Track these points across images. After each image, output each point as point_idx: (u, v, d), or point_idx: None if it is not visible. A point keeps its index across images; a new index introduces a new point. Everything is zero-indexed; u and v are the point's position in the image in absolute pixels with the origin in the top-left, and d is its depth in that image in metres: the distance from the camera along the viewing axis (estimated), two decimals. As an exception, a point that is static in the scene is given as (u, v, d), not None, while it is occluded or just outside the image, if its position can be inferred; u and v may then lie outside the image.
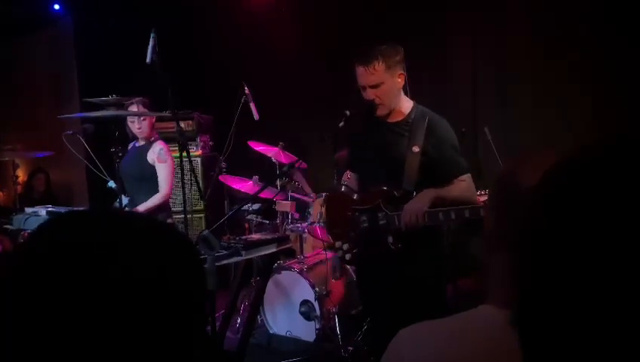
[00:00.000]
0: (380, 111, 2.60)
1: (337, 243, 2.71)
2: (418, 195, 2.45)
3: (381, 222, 2.53)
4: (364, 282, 2.95)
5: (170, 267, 0.65)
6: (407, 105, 2.65)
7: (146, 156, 3.84)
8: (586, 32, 4.13)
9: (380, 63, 2.50)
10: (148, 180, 3.82)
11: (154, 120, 3.87)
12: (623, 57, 3.97)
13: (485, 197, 2.86)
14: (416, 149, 2.52)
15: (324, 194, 3.84)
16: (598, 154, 0.52)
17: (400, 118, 2.63)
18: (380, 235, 2.52)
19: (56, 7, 5.88)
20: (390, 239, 2.50)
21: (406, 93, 2.68)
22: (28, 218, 3.38)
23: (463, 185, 2.53)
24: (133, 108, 3.78)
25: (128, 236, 0.65)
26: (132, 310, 0.60)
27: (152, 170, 3.84)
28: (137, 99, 3.79)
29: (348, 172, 4.61)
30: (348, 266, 4.07)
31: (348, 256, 2.68)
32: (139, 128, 3.84)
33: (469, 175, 2.56)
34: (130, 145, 4.01)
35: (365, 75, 2.53)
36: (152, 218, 0.76)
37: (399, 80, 2.58)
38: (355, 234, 2.64)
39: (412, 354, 0.90)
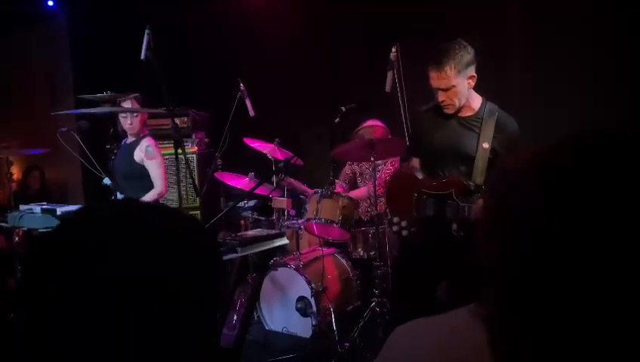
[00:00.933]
0: (448, 111, 2.67)
1: (395, 219, 2.75)
2: None
3: (449, 210, 2.58)
4: (415, 262, 2.94)
5: (176, 265, 0.65)
6: (477, 100, 2.72)
7: (133, 154, 3.81)
8: (584, 28, 4.13)
9: (452, 68, 2.55)
10: (137, 178, 3.80)
11: (146, 116, 3.85)
12: (622, 54, 3.98)
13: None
14: (486, 145, 2.60)
15: (320, 191, 3.83)
16: (585, 144, 0.51)
17: (470, 113, 2.70)
18: (445, 222, 2.57)
19: (50, 3, 5.85)
20: (455, 226, 2.55)
21: (476, 90, 2.73)
22: (23, 215, 3.37)
23: None
24: (127, 104, 3.76)
25: (136, 236, 0.66)
26: (137, 304, 0.60)
27: (139, 167, 3.81)
28: (131, 95, 3.77)
29: (346, 168, 4.63)
30: (345, 263, 4.07)
31: (405, 233, 2.71)
32: (130, 124, 3.82)
33: None
34: (122, 142, 3.99)
35: (437, 79, 2.59)
36: (169, 215, 0.74)
37: (470, 81, 2.64)
38: (418, 215, 2.68)
39: (409, 350, 0.90)
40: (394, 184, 2.92)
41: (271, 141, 4.32)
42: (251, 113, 4.13)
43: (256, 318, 3.94)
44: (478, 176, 2.59)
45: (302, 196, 4.37)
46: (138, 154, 3.81)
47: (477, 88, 2.72)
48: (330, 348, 3.53)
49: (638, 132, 0.51)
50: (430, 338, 0.90)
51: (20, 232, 3.29)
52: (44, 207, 3.41)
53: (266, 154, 4.33)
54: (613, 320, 0.44)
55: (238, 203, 3.87)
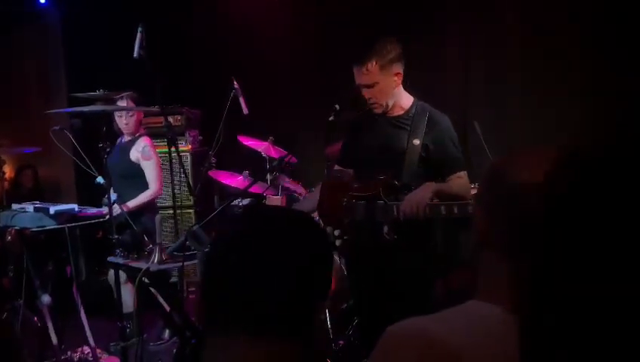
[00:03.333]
0: (376, 110, 2.58)
1: (328, 229, 2.68)
2: (420, 187, 2.43)
3: (378, 212, 2.51)
4: (354, 271, 2.94)
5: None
6: (407, 100, 2.63)
7: (129, 154, 3.80)
8: (579, 27, 4.15)
9: (374, 64, 2.45)
10: (132, 177, 3.79)
11: (142, 115, 3.84)
12: (616, 54, 3.99)
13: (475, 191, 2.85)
14: (416, 142, 2.51)
15: (315, 189, 3.83)
16: (604, 154, 0.51)
17: (401, 112, 2.61)
18: (376, 225, 2.50)
19: (43, 1, 5.81)
20: (385, 229, 2.48)
21: (405, 88, 2.66)
22: (15, 214, 3.35)
23: (461, 182, 2.53)
24: (122, 103, 3.74)
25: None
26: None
27: (135, 167, 3.80)
28: (126, 93, 3.76)
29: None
30: (339, 261, 4.06)
31: (339, 242, 2.64)
32: (126, 123, 3.81)
33: (465, 172, 2.55)
34: (118, 141, 3.97)
35: (359, 75, 2.50)
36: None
37: (395, 79, 2.53)
38: (349, 222, 2.61)
39: (401, 350, 0.90)
40: (324, 194, 2.84)
41: (265, 139, 4.31)
42: (245, 111, 4.11)
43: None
44: (407, 174, 2.51)
45: (296, 194, 4.36)
46: (134, 154, 3.80)
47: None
48: (324, 345, 3.53)
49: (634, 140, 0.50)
50: (424, 337, 0.90)
51: (13, 231, 3.26)
52: (36, 205, 3.40)
53: (260, 153, 4.32)
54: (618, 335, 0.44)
55: (232, 201, 3.85)
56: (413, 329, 0.91)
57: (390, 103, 2.58)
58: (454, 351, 0.85)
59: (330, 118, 2.57)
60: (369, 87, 2.50)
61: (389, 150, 2.59)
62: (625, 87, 3.93)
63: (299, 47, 5.41)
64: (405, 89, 2.68)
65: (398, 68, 2.53)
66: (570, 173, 0.52)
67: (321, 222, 2.78)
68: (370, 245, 2.59)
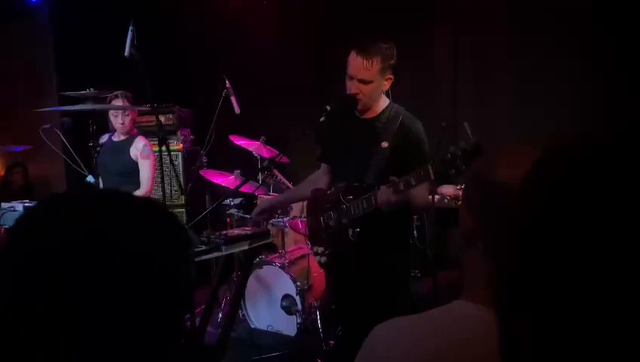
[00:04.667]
0: (359, 106, 2.57)
1: (315, 249, 2.74)
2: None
3: (342, 216, 2.54)
4: (333, 283, 2.97)
5: (155, 242, 0.69)
6: (383, 103, 2.63)
7: (129, 151, 3.80)
8: (567, 26, 4.18)
9: (378, 62, 2.45)
10: (129, 175, 3.79)
11: (136, 115, 3.83)
12: (605, 53, 4.02)
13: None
14: (384, 145, 2.51)
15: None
16: (585, 153, 0.51)
17: (373, 115, 2.61)
18: (345, 230, 2.53)
19: (33, -1, 5.78)
20: (350, 232, 2.51)
21: (387, 95, 2.67)
22: (4, 213, 3.32)
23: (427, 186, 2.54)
24: (118, 102, 3.73)
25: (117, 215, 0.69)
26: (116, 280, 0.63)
27: (133, 165, 3.80)
28: (121, 92, 3.74)
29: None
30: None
31: (323, 259, 2.69)
32: (122, 123, 3.80)
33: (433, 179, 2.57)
34: (105, 139, 3.94)
35: (359, 67, 2.47)
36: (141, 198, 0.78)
37: (386, 83, 2.55)
38: (325, 235, 2.66)
39: (387, 350, 0.90)
40: (309, 215, 2.88)
41: (257, 138, 4.31)
42: (237, 110, 4.11)
43: (241, 316, 3.94)
44: (373, 176, 2.49)
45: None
46: (133, 152, 3.80)
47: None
48: (315, 345, 3.54)
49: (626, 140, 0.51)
50: (408, 337, 0.91)
51: (2, 230, 3.24)
52: (26, 204, 3.37)
53: (251, 152, 4.32)
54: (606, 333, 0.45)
55: (223, 201, 3.86)
56: (398, 330, 0.92)
57: (370, 104, 2.59)
58: (439, 352, 0.86)
59: (322, 119, 2.56)
60: (363, 82, 2.49)
61: (357, 152, 2.60)
62: (612, 87, 3.97)
63: (290, 47, 5.41)
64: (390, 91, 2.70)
65: (391, 74, 2.56)
66: (544, 174, 0.53)
67: (311, 245, 2.84)
68: (343, 253, 2.60)
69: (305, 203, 3.73)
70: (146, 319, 0.66)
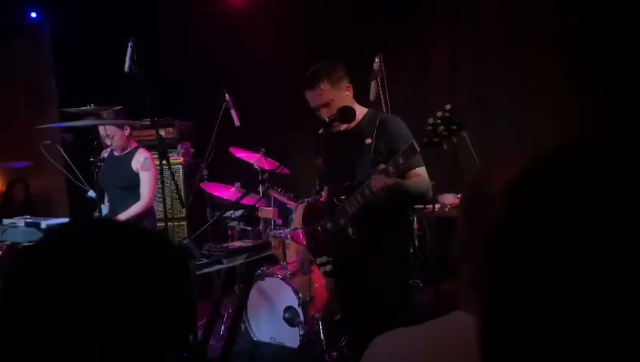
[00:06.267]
0: (337, 129, 2.68)
1: (319, 260, 2.76)
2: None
3: (339, 216, 2.61)
4: (340, 291, 2.98)
5: (148, 269, 0.70)
6: (360, 111, 2.74)
7: (131, 165, 3.81)
8: (563, 33, 4.20)
9: (325, 83, 2.60)
10: (133, 189, 3.81)
11: (127, 133, 3.83)
12: (602, 57, 4.04)
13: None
14: (368, 141, 2.62)
15: (306, 200, 3.84)
16: (561, 163, 0.52)
17: (354, 125, 2.71)
18: (345, 230, 2.60)
19: (33, 15, 5.82)
20: (350, 230, 2.58)
21: (359, 101, 2.78)
22: (6, 229, 3.34)
23: (418, 179, 2.60)
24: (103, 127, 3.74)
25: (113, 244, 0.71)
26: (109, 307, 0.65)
27: (135, 178, 3.81)
28: (108, 111, 3.74)
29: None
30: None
31: (328, 268, 2.72)
32: (110, 144, 3.83)
33: (422, 168, 2.63)
34: (107, 154, 3.96)
35: (314, 97, 2.63)
36: (136, 227, 0.79)
37: (347, 92, 2.68)
38: (326, 242, 2.70)
39: (388, 361, 0.90)
40: (305, 226, 2.94)
41: (257, 151, 4.33)
42: (237, 123, 4.13)
43: (243, 329, 3.93)
44: (361, 172, 2.59)
45: (288, 205, 4.37)
46: (135, 165, 3.81)
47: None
48: (318, 357, 3.53)
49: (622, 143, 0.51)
50: (409, 349, 0.91)
51: (4, 246, 3.25)
52: (27, 220, 3.39)
53: (252, 164, 4.33)
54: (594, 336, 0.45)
55: (224, 213, 3.87)
56: (397, 342, 0.92)
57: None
58: (439, 362, 0.86)
59: (320, 131, 2.62)
60: (326, 105, 2.62)
61: (344, 157, 2.71)
62: (611, 88, 3.98)
63: (290, 59, 5.44)
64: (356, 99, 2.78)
65: (347, 82, 2.68)
66: (526, 185, 0.53)
67: (312, 257, 2.87)
68: (346, 253, 2.65)
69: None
70: (150, 346, 0.67)
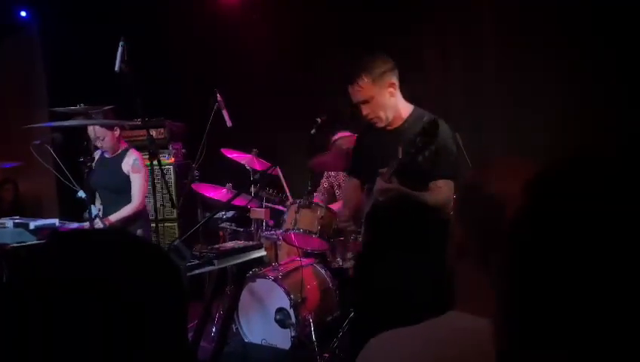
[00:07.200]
0: (378, 125, 2.60)
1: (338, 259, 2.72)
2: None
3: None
4: (363, 281, 2.93)
5: (128, 278, 0.69)
6: (405, 109, 2.63)
7: (121, 167, 3.79)
8: (557, 33, 4.22)
9: (365, 79, 2.47)
10: (124, 191, 3.78)
11: (117, 134, 3.80)
12: (596, 59, 4.06)
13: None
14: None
15: (298, 201, 3.83)
16: (586, 168, 0.51)
17: (399, 124, 2.62)
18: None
19: (23, 14, 5.77)
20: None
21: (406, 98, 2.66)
22: (-6, 230, 3.29)
23: (435, 191, 2.51)
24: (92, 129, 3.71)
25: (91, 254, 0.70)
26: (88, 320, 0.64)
27: (126, 180, 3.79)
28: (98, 111, 3.71)
29: (323, 180, 4.63)
30: (324, 273, 4.06)
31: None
32: (101, 146, 3.80)
33: (446, 181, 2.51)
34: (98, 155, 3.93)
35: (353, 93, 2.52)
36: (117, 233, 0.81)
37: (390, 90, 2.55)
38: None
39: (383, 362, 0.90)
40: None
41: (249, 151, 4.31)
42: (228, 123, 4.11)
43: (234, 330, 3.91)
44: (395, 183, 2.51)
45: (280, 206, 4.36)
46: (125, 167, 3.78)
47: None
48: (309, 359, 3.52)
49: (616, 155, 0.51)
50: (405, 349, 0.91)
51: (-7, 247, 3.21)
52: (16, 221, 3.35)
53: (244, 165, 4.31)
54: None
55: (215, 214, 3.84)
56: (393, 343, 0.91)
57: (390, 116, 2.58)
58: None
59: (312, 131, 2.59)
60: (366, 102, 2.52)
61: (382, 161, 2.58)
62: (601, 97, 4.00)
63: (281, 59, 5.44)
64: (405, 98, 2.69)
65: (391, 78, 2.55)
66: (539, 187, 0.53)
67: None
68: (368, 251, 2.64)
69: (299, 215, 3.73)
70: (143, 355, 0.67)
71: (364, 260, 2.60)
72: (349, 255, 2.71)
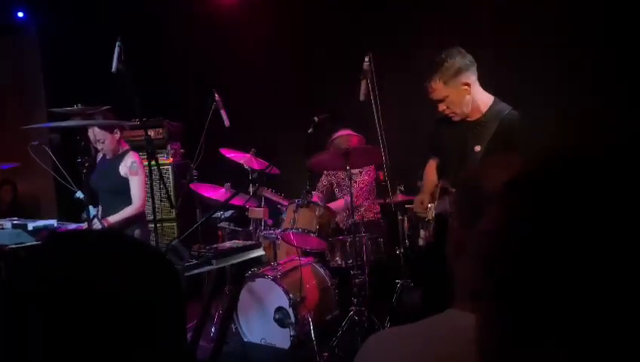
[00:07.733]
0: (455, 119, 2.66)
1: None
2: None
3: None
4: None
5: (128, 279, 0.69)
6: (485, 102, 2.67)
7: (118, 169, 3.78)
8: (557, 33, 4.23)
9: (437, 81, 2.56)
10: (123, 193, 3.78)
11: (117, 137, 3.80)
12: (596, 59, 4.06)
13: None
14: (477, 148, 2.55)
15: (296, 200, 3.83)
16: (563, 164, 0.51)
17: (478, 116, 2.66)
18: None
19: (20, 14, 5.77)
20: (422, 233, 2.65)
21: (486, 89, 2.69)
22: (-8, 231, 3.29)
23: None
24: (92, 131, 3.70)
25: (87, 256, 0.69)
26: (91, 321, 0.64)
27: (124, 182, 3.79)
28: (99, 110, 3.70)
29: (322, 179, 4.63)
30: (323, 272, 4.07)
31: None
32: (101, 148, 3.79)
33: None
34: (100, 157, 3.93)
35: (429, 93, 2.61)
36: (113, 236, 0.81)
37: (465, 87, 2.59)
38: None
39: (383, 360, 0.90)
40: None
41: (247, 151, 4.31)
42: (227, 123, 4.11)
43: (234, 330, 3.91)
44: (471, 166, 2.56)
45: (279, 206, 4.36)
46: (123, 170, 3.78)
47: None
48: (309, 358, 3.52)
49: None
50: (404, 347, 0.91)
51: (-9, 248, 3.20)
52: (14, 222, 3.34)
53: (242, 165, 4.31)
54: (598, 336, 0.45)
55: (213, 214, 3.84)
56: (392, 341, 0.91)
57: (466, 110, 2.64)
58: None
59: (310, 130, 2.60)
60: (441, 101, 2.60)
61: (457, 153, 2.67)
62: (601, 97, 4.00)
63: (279, 59, 5.43)
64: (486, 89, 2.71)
65: (466, 77, 2.59)
66: (523, 187, 0.53)
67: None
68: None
69: (297, 215, 3.73)
70: (142, 356, 0.67)
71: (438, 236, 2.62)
72: (422, 233, 2.72)
